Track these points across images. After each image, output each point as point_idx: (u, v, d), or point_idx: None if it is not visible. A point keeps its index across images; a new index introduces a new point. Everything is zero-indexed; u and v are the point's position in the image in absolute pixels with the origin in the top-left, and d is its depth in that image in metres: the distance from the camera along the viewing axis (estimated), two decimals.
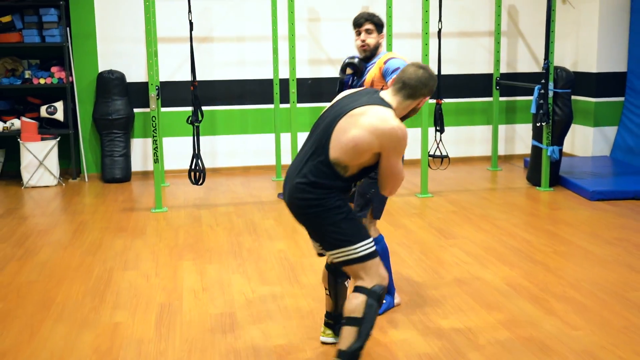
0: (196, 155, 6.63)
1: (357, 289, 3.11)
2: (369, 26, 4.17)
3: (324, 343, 3.76)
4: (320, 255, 3.45)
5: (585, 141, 8.84)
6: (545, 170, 7.28)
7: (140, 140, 8.42)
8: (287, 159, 7.98)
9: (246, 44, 8.42)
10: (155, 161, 6.66)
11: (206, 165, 7.13)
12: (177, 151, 8.29)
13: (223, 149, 8.57)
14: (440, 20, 7.36)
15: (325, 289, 3.70)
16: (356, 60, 4.18)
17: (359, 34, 4.21)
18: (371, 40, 4.16)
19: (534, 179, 7.53)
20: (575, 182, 7.17)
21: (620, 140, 8.50)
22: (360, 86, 4.19)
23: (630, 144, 8.29)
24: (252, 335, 3.87)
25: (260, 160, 8.63)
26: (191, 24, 6.60)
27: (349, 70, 4.18)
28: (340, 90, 4.20)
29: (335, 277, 3.61)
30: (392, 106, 3.17)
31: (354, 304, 3.07)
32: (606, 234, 5.68)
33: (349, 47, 5.04)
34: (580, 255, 5.23)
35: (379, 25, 4.21)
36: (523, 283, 4.61)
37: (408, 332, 3.88)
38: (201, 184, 6.71)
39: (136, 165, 8.41)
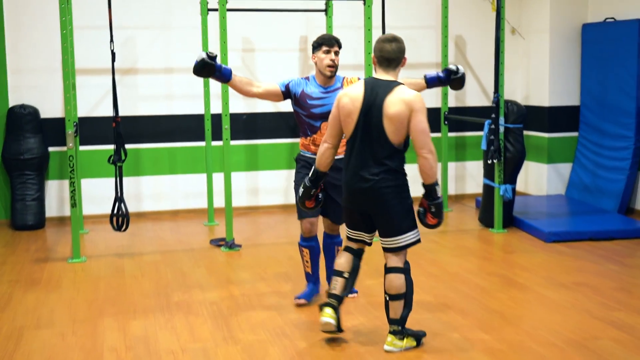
0: (119, 199, 6.55)
1: (396, 270, 3.95)
2: (337, 48, 4.87)
3: (327, 325, 4.29)
4: (367, 244, 4.36)
5: (539, 179, 9.06)
6: (498, 210, 7.41)
7: (56, 182, 8.26)
8: (219, 201, 7.93)
9: (174, 75, 8.40)
10: (73, 205, 6.54)
11: (130, 210, 7.02)
12: (97, 194, 8.16)
13: (149, 191, 8.47)
14: None
15: (344, 273, 4.30)
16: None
17: (327, 52, 4.86)
18: (337, 62, 4.87)
19: (486, 220, 7.66)
20: (529, 223, 7.33)
21: (575, 177, 8.74)
22: None
23: (586, 182, 8.53)
24: None
25: (191, 203, 8.57)
26: (113, 54, 6.56)
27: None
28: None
29: (360, 260, 4.38)
30: (398, 81, 4.11)
31: (399, 283, 3.94)
32: (563, 278, 5.80)
33: (284, 78, 5.21)
34: (537, 302, 5.32)
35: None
36: (477, 334, 4.65)
37: None
38: (124, 230, 6.62)
39: (51, 210, 8.24)
